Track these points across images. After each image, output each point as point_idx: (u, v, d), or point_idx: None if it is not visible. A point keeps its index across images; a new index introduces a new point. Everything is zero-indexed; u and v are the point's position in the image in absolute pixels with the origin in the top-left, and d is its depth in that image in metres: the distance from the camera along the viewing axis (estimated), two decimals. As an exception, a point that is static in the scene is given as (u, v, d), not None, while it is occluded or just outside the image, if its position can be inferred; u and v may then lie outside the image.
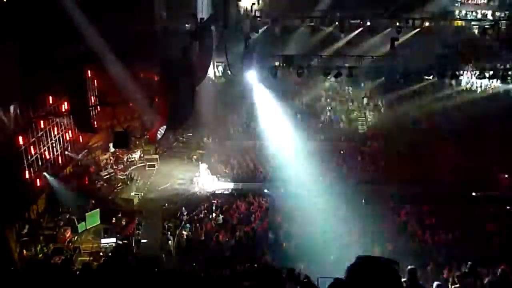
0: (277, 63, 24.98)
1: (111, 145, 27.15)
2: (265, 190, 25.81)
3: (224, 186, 27.23)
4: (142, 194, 26.28)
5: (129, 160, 29.84)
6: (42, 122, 24.27)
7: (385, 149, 29.32)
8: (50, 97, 24.91)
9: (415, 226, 21.69)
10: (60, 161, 26.45)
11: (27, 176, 22.42)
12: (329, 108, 33.74)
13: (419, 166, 26.01)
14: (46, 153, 24.76)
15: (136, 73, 22.50)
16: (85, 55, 22.29)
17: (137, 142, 29.66)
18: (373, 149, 30.02)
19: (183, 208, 24.08)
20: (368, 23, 28.60)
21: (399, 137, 29.09)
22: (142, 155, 30.48)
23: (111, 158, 29.54)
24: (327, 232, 20.43)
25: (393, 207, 23.58)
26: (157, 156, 30.28)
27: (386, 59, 25.70)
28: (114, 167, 28.63)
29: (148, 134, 27.78)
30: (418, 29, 27.82)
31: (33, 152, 23.19)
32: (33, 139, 23.29)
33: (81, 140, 28.97)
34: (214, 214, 23.59)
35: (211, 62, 23.88)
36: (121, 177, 27.85)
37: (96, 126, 24.34)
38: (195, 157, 30.04)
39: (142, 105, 22.47)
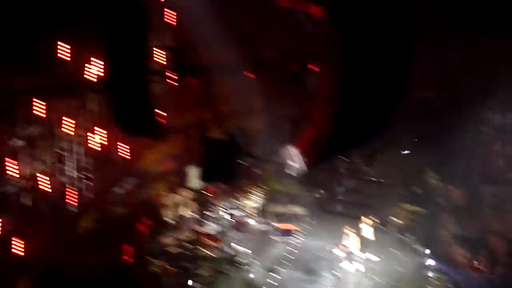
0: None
1: (192, 173, 13.68)
2: None
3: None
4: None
5: (231, 212, 14.44)
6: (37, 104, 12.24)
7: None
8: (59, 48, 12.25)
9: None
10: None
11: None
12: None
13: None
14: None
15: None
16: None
17: (257, 172, 14.63)
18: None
19: None
20: None
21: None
22: (265, 202, 14.91)
23: (190, 202, 14.87)
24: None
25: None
26: (301, 210, 14.63)
27: None
28: (197, 227, 13.90)
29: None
30: None
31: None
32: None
33: (125, 154, 13.89)
34: None
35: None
36: (209, 252, 13.16)
37: (165, 123, 12.33)
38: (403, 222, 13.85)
39: (281, 81, 13.55)
